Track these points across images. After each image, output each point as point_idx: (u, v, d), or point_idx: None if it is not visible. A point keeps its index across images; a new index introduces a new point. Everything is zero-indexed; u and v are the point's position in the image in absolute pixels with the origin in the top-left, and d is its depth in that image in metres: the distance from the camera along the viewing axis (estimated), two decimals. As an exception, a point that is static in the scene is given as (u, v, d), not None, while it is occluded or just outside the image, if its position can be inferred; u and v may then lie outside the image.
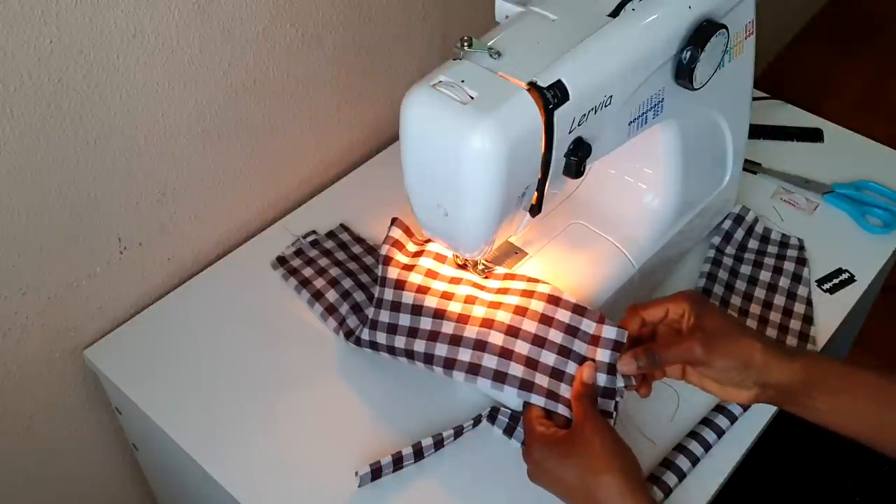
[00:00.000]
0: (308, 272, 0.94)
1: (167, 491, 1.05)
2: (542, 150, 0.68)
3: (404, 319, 0.81)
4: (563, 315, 0.77)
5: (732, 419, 0.81)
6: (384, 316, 0.82)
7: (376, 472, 0.77)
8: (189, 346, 0.89)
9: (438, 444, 0.79)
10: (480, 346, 0.76)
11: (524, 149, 0.66)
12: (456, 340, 0.77)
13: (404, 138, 0.70)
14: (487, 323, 0.77)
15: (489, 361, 0.75)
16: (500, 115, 0.64)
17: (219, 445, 0.81)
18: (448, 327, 0.78)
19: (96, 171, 0.82)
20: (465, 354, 0.76)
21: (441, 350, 0.77)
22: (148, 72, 0.81)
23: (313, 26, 0.95)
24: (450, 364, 0.77)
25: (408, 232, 0.88)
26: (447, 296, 0.80)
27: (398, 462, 0.78)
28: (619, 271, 0.87)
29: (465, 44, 0.68)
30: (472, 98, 0.65)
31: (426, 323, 0.79)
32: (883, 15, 2.66)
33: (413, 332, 0.80)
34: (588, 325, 0.77)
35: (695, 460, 0.79)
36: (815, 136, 1.15)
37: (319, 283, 0.92)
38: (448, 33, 1.14)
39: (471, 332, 0.77)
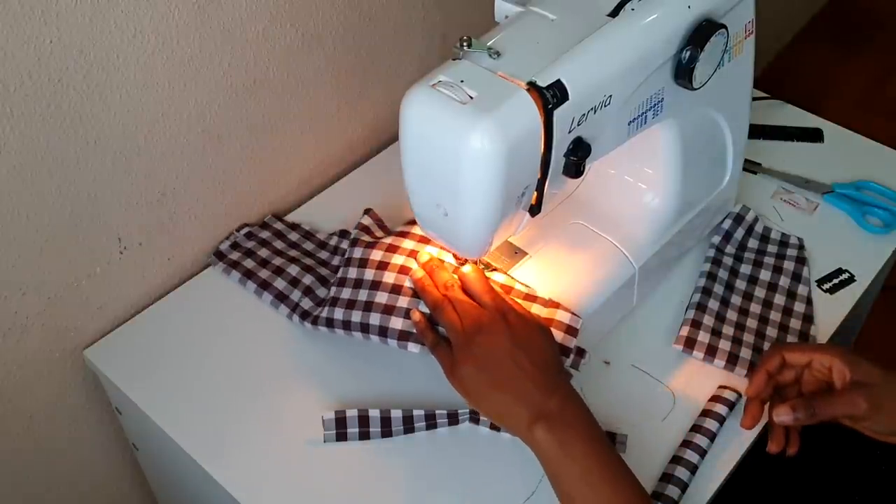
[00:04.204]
0: (250, 264, 0.95)
1: (167, 491, 1.05)
2: (542, 150, 0.68)
3: (360, 294, 0.83)
4: (516, 296, 0.82)
5: (721, 420, 0.81)
6: (344, 293, 0.85)
7: (341, 422, 0.80)
8: (189, 346, 0.89)
9: (408, 419, 0.80)
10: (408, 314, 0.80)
11: (524, 149, 0.66)
12: (389, 310, 0.80)
13: (404, 138, 0.70)
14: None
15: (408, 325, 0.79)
16: (499, 115, 0.64)
17: (219, 445, 0.81)
18: (385, 297, 0.82)
19: (96, 171, 0.82)
20: (396, 322, 0.80)
21: (375, 319, 0.80)
22: (148, 72, 0.81)
23: (313, 26, 0.95)
24: (383, 332, 0.80)
25: (379, 223, 0.92)
26: (405, 270, 0.83)
27: (364, 420, 0.80)
28: (619, 271, 0.87)
29: (465, 44, 0.68)
30: (471, 98, 0.65)
31: (381, 297, 0.82)
32: (883, 14, 2.66)
33: (368, 306, 0.82)
34: (539, 309, 0.80)
35: (693, 468, 0.78)
36: (815, 136, 1.15)
37: (264, 273, 0.93)
38: (448, 33, 1.14)
39: (403, 301, 0.81)
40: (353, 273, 0.86)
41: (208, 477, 0.79)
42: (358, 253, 0.87)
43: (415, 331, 0.79)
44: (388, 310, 0.80)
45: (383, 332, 0.80)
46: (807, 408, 0.74)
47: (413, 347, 0.79)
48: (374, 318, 0.80)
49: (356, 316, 0.82)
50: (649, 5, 0.72)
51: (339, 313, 0.83)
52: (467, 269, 0.80)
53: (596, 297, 0.85)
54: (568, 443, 0.69)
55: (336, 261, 0.95)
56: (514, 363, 0.72)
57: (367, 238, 0.90)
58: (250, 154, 0.98)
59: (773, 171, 1.09)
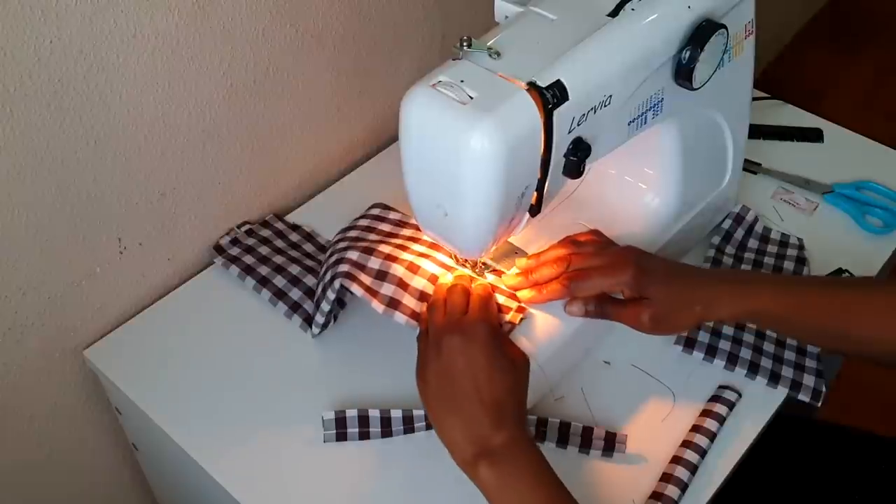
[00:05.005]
0: (250, 260, 0.95)
1: (167, 491, 1.05)
2: (542, 150, 0.68)
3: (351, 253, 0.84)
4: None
5: (721, 420, 0.81)
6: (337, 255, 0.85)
7: (341, 422, 0.80)
8: (189, 346, 0.89)
9: (408, 419, 0.80)
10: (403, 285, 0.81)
11: (524, 149, 0.66)
12: (382, 276, 0.81)
13: (404, 138, 0.70)
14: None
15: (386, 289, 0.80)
16: (499, 115, 0.64)
17: (219, 445, 0.81)
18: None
19: (96, 171, 0.82)
20: (387, 289, 0.81)
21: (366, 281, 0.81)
22: (148, 72, 0.81)
23: (313, 26, 0.95)
24: (372, 293, 0.80)
25: (379, 219, 0.92)
26: (413, 268, 0.82)
27: (364, 421, 0.80)
28: (618, 271, 0.87)
29: (465, 44, 0.68)
30: (471, 98, 0.65)
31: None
32: (883, 15, 2.66)
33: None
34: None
35: (693, 468, 0.78)
36: (815, 136, 1.15)
37: (264, 270, 0.93)
38: (448, 33, 1.14)
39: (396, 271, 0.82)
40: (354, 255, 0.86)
41: (208, 477, 0.79)
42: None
43: (402, 301, 0.79)
44: (381, 275, 0.81)
45: (372, 292, 0.80)
46: (599, 306, 0.79)
47: (399, 318, 0.79)
48: (366, 279, 0.81)
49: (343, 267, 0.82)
50: (649, 5, 0.72)
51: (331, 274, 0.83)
52: (480, 287, 0.79)
53: (596, 297, 0.85)
54: (511, 484, 0.67)
55: None
56: (473, 382, 0.70)
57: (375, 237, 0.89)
58: (250, 154, 0.98)
59: (773, 171, 1.09)
